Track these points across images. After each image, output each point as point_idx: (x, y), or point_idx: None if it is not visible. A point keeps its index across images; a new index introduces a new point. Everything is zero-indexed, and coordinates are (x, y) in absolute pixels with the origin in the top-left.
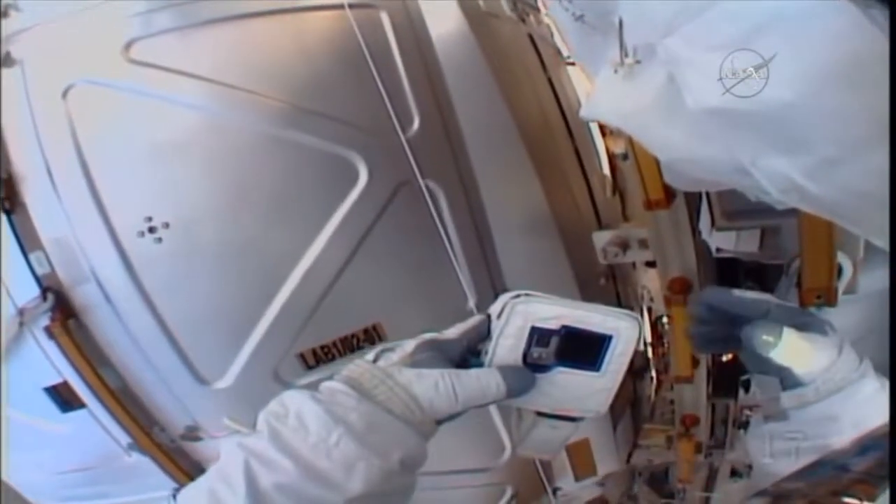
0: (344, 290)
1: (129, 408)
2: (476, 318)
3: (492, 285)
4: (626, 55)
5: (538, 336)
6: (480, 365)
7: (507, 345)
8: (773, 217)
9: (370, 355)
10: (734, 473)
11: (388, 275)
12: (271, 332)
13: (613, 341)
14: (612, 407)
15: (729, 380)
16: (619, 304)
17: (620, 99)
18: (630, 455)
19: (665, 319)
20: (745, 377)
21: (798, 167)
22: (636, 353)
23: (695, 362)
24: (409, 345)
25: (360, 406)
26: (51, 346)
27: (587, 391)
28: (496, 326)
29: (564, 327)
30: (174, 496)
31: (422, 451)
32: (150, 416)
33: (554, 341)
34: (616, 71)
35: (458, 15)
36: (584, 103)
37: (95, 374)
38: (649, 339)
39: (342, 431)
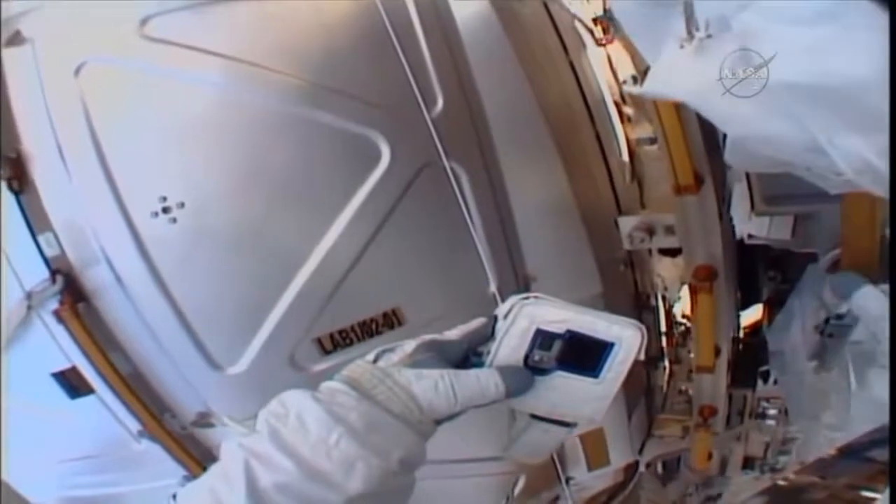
0: (363, 273)
1: (139, 394)
2: (479, 321)
3: (513, 269)
4: (697, 29)
5: (542, 339)
6: (481, 364)
7: (510, 345)
8: (813, 202)
9: (370, 355)
10: (746, 465)
11: (409, 258)
12: (288, 315)
13: (615, 349)
14: (627, 396)
15: (747, 370)
16: (637, 292)
17: (687, 74)
18: (643, 445)
19: (676, 309)
20: (763, 368)
21: (873, 146)
22: (645, 352)
23: (717, 352)
24: (410, 345)
25: (360, 406)
26: (59, 331)
27: (584, 397)
28: (501, 326)
29: (569, 331)
30: (174, 497)
31: (421, 450)
32: (161, 402)
33: (557, 345)
34: (682, 46)
35: None
36: (647, 79)
37: (105, 359)
38: (663, 329)
39: (342, 431)
